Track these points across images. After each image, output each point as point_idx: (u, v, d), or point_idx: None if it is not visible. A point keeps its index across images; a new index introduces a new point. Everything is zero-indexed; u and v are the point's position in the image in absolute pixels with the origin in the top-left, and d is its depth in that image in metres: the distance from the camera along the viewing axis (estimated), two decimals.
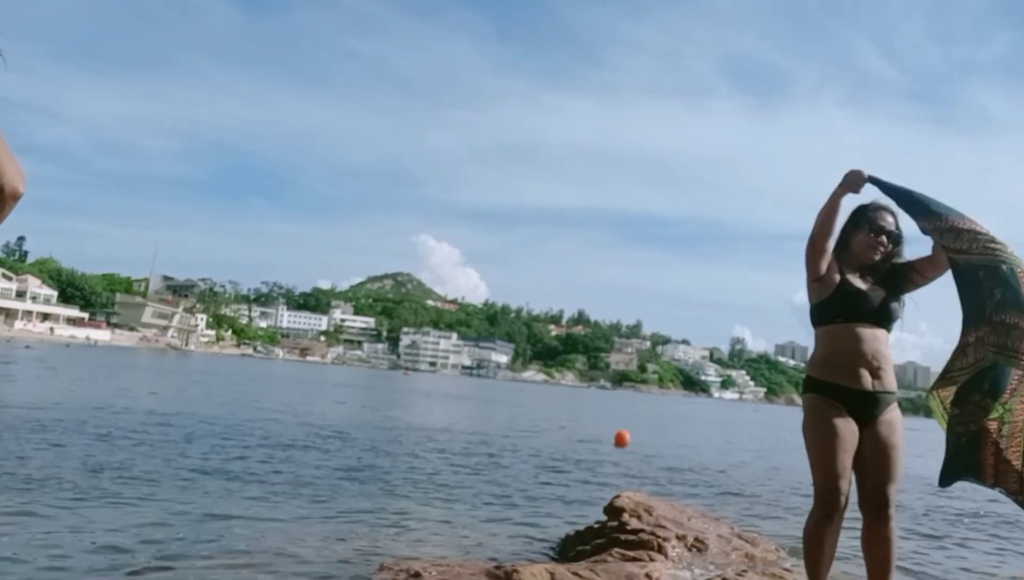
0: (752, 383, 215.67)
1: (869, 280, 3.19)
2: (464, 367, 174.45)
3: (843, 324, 3.09)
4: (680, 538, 5.29)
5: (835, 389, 3.06)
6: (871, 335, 3.08)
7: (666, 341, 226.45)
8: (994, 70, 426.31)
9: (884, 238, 3.20)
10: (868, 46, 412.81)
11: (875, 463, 3.05)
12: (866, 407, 3.06)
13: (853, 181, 3.14)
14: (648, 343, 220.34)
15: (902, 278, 3.22)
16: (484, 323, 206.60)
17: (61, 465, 7.61)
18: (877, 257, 3.20)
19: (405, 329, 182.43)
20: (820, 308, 3.17)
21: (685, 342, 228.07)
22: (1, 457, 7.69)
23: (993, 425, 2.96)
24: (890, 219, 3.22)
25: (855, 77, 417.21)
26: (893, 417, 3.10)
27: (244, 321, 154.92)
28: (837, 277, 3.14)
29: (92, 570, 4.40)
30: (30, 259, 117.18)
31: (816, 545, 3.05)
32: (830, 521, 3.03)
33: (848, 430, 3.03)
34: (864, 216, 3.23)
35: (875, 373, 3.06)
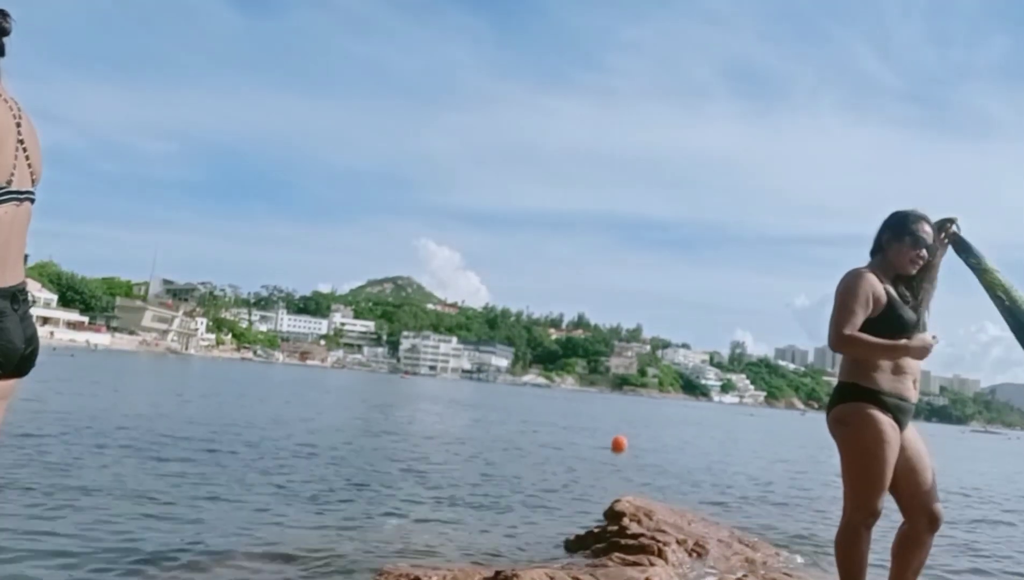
0: (752, 387, 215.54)
1: (901, 289, 3.17)
2: (464, 371, 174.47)
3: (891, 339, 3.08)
4: (680, 542, 5.28)
5: (888, 400, 3.04)
6: None
7: (666, 345, 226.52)
8: (991, 73, 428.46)
9: (924, 252, 3.16)
10: (865, 49, 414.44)
11: (920, 473, 3.11)
12: (906, 417, 3.10)
13: (918, 352, 3.05)
14: (648, 347, 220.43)
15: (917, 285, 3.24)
16: (484, 327, 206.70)
17: (56, 472, 7.59)
18: (914, 271, 3.18)
19: (405, 333, 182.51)
20: (867, 326, 3.08)
21: (685, 346, 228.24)
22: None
23: None
24: (928, 229, 3.18)
25: (852, 80, 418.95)
26: (913, 426, 3.18)
27: (244, 325, 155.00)
28: (884, 296, 3.08)
29: (86, 572, 4.38)
30: (29, 262, 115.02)
31: (860, 555, 3.05)
32: (869, 531, 3.07)
33: (897, 442, 3.04)
34: (906, 228, 3.15)
35: (914, 384, 3.12)
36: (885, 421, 3.01)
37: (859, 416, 3.03)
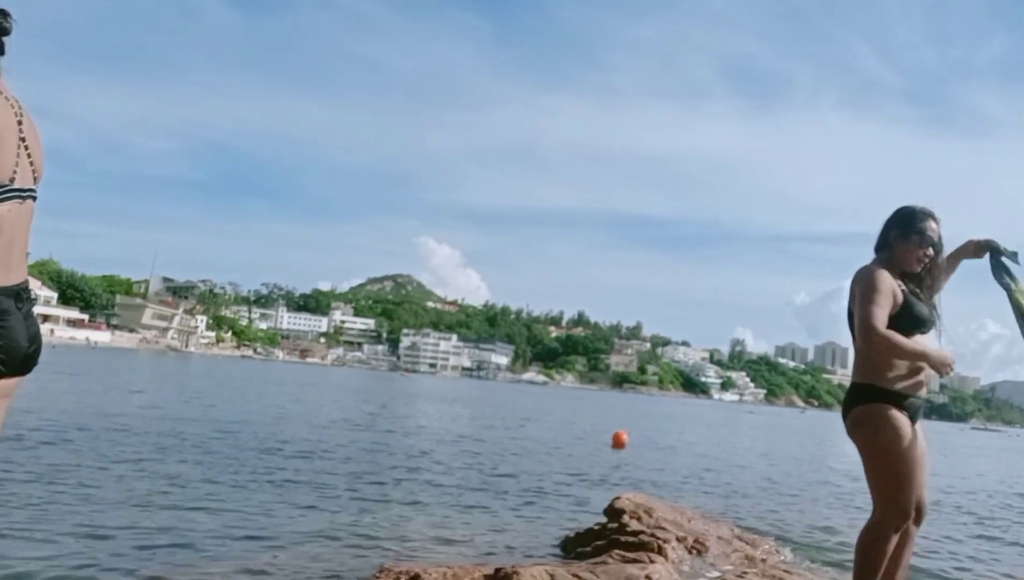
0: (752, 385, 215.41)
1: (910, 285, 3.17)
2: (464, 369, 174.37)
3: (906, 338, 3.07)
4: (680, 539, 5.28)
5: (906, 399, 3.05)
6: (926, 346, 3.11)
7: (666, 342, 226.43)
8: (990, 72, 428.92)
9: (931, 250, 3.16)
10: (865, 48, 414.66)
11: (921, 470, 3.13)
12: (918, 415, 3.11)
13: (938, 365, 3.06)
14: (648, 344, 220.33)
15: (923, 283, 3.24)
16: (484, 325, 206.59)
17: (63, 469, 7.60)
18: (919, 269, 3.17)
19: (405, 330, 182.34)
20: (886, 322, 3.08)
21: (685, 343, 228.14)
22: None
23: None
24: (935, 226, 3.17)
25: (852, 79, 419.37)
26: (918, 424, 3.20)
27: (244, 322, 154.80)
28: (901, 294, 3.08)
29: (82, 573, 4.39)
30: (30, 261, 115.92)
31: (884, 556, 3.03)
32: (898, 532, 3.04)
33: (915, 440, 3.06)
34: (913, 226, 3.14)
35: (926, 381, 3.13)
36: (903, 420, 3.01)
37: (878, 417, 3.02)
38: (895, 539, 3.05)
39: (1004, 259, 3.30)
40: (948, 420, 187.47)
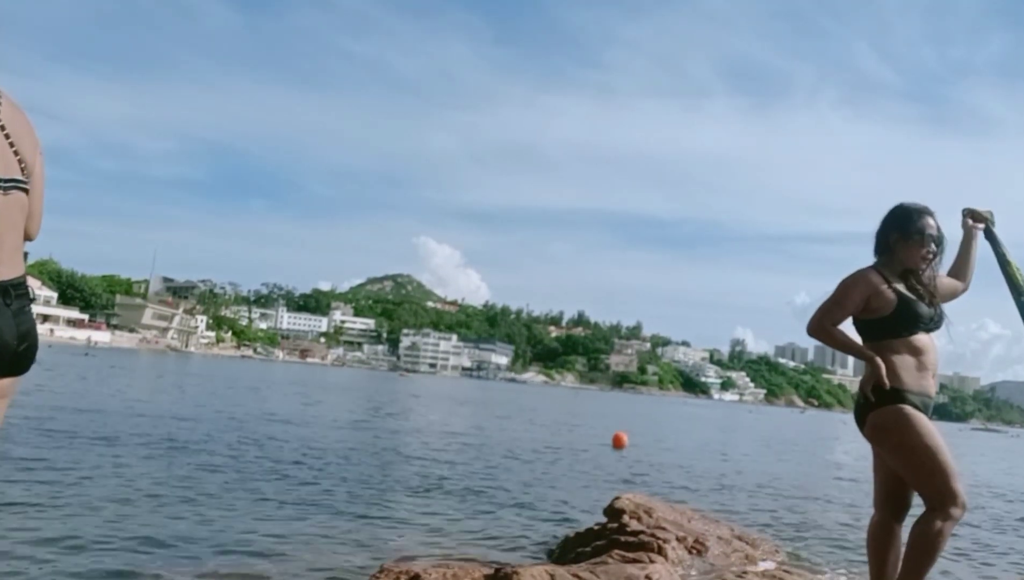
0: (752, 385, 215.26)
1: (913, 283, 3.16)
2: (464, 369, 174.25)
3: (906, 338, 3.06)
4: (680, 539, 5.28)
5: (915, 398, 3.03)
6: (931, 345, 3.10)
7: (666, 342, 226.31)
8: (990, 71, 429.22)
9: (934, 246, 3.15)
10: (865, 47, 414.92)
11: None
12: (927, 413, 3.08)
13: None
14: (648, 344, 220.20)
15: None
16: (484, 325, 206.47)
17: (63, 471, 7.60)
18: (924, 266, 3.17)
19: (405, 331, 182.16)
20: (879, 324, 3.08)
21: (685, 344, 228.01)
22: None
23: None
24: (933, 222, 3.16)
25: (852, 78, 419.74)
26: None
27: (244, 322, 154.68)
28: (892, 294, 3.07)
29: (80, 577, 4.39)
30: (29, 260, 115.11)
31: (942, 546, 2.99)
32: (956, 522, 3.00)
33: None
34: (913, 225, 3.13)
35: (933, 379, 3.12)
36: (924, 417, 3.02)
37: (899, 417, 3.00)
38: (952, 529, 3.01)
39: (993, 228, 3.44)
40: (948, 420, 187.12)
